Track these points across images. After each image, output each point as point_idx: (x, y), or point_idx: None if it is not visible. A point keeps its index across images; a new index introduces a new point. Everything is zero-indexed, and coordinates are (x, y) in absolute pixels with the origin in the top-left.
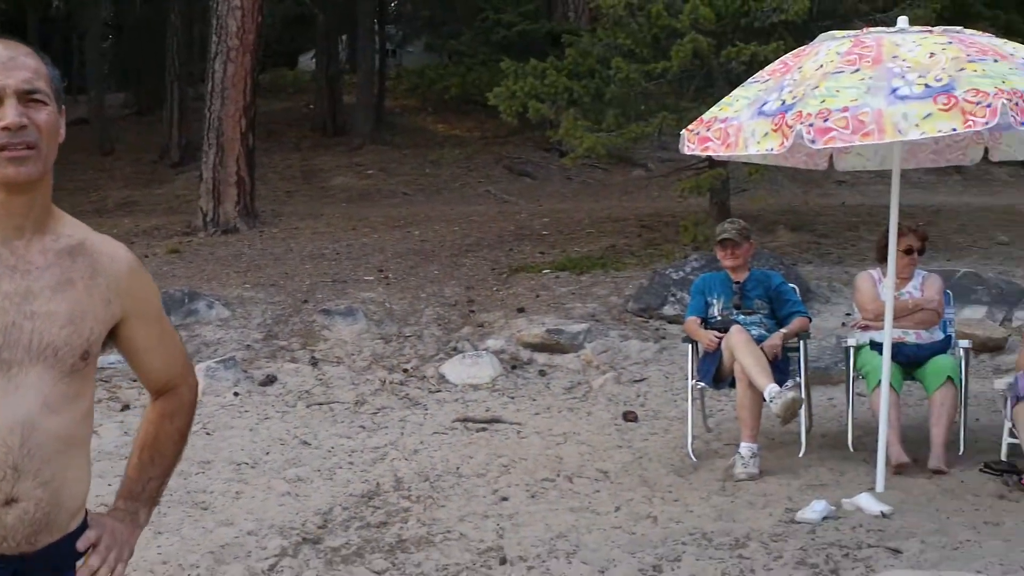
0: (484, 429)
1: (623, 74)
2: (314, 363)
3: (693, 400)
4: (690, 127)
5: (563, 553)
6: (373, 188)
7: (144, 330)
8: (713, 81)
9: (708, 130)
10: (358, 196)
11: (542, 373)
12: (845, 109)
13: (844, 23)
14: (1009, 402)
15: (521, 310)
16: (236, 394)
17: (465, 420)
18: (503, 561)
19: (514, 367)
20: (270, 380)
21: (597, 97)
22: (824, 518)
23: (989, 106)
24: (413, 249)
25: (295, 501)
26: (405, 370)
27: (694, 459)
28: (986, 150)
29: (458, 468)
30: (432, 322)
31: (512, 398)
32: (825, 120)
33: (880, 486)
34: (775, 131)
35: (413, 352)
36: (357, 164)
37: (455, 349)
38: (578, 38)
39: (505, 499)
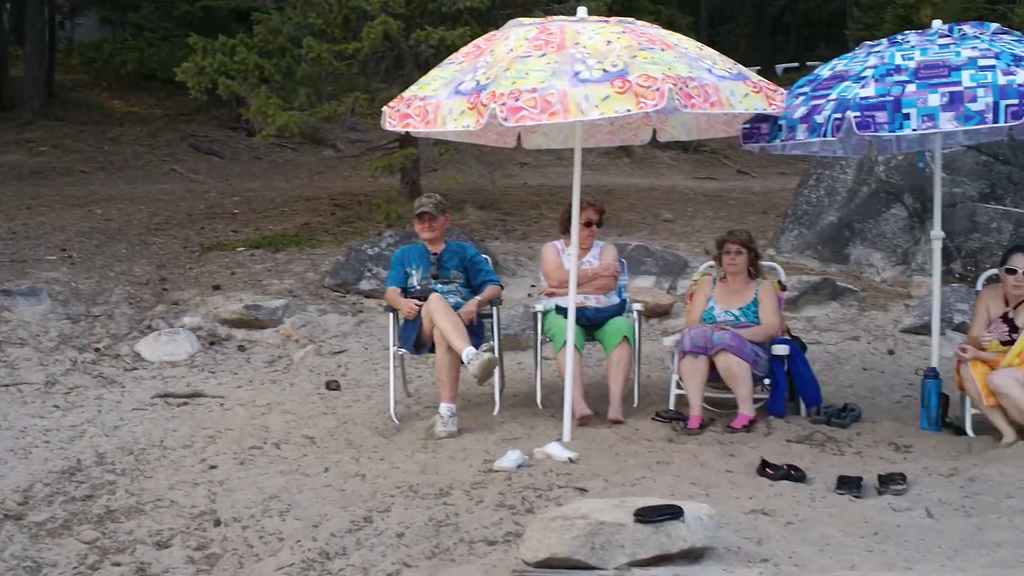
0: (186, 404)
1: (314, 53)
2: None
3: (394, 367)
4: (391, 104)
5: (276, 512)
6: (47, 166)
7: None
8: (403, 63)
9: (408, 107)
10: (30, 174)
11: (242, 348)
12: (534, 90)
13: (525, 11)
14: (675, 357)
15: (217, 287)
16: None
17: (165, 396)
18: (217, 523)
19: (212, 343)
20: None
21: (288, 76)
22: (519, 466)
23: (658, 90)
24: (97, 228)
25: None
26: (97, 349)
27: (397, 421)
28: (655, 131)
29: (162, 441)
30: (123, 301)
31: (213, 373)
32: (516, 100)
33: (567, 436)
34: (471, 109)
35: (104, 331)
36: (28, 141)
37: (149, 327)
38: (267, 16)
39: (214, 467)
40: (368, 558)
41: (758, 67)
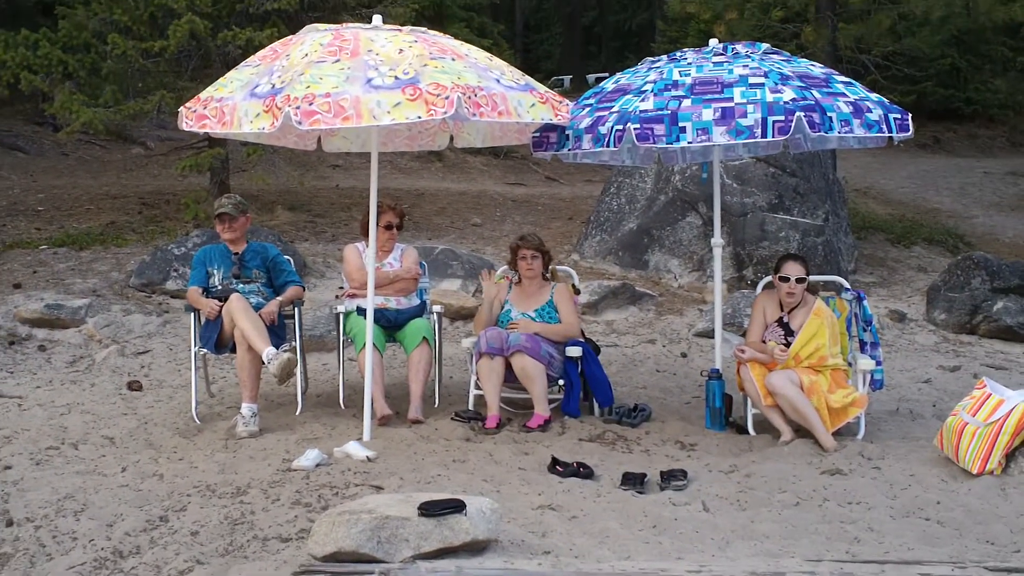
0: None
1: (120, 50)
2: None
3: (197, 367)
4: (187, 105)
5: (71, 512)
6: None
7: None
8: (211, 62)
9: (205, 108)
10: None
11: (42, 348)
12: (328, 95)
13: (333, 15)
14: (474, 358)
15: (18, 286)
16: None
17: None
18: (9, 523)
19: (12, 343)
20: None
21: (94, 72)
22: (317, 465)
23: (447, 98)
24: None
25: None
26: None
27: (198, 421)
28: (452, 137)
29: None
30: None
31: (11, 373)
32: (311, 104)
33: (367, 436)
34: (266, 112)
35: None
36: None
37: None
38: (72, 10)
39: (8, 467)
40: (161, 556)
41: (570, 75)
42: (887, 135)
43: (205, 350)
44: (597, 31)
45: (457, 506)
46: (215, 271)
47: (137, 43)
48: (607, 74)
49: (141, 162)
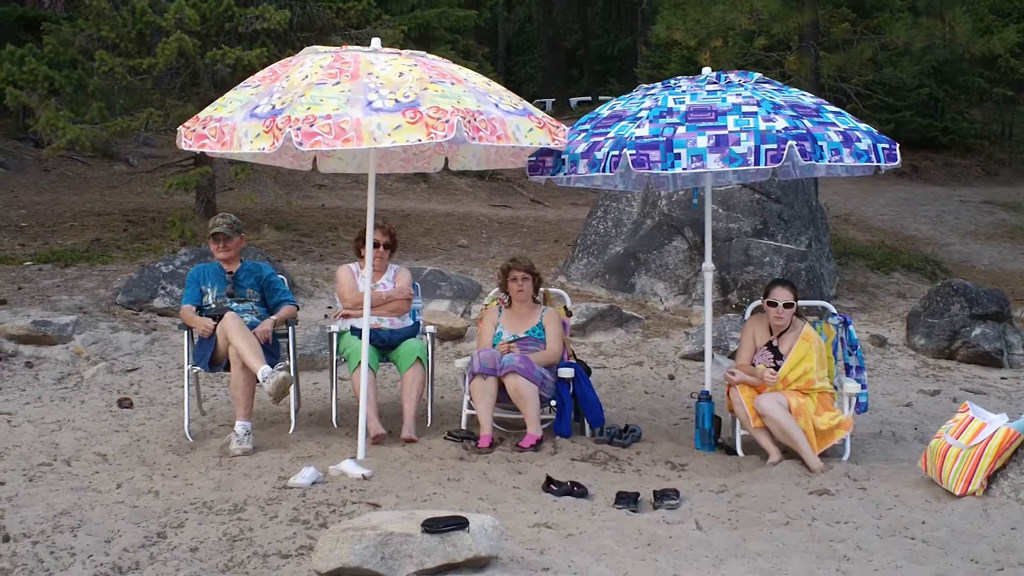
0: None
1: (107, 67)
2: None
3: (189, 385)
4: (187, 124)
5: (67, 528)
6: None
7: None
8: (199, 81)
9: (204, 128)
10: None
11: (29, 365)
12: (328, 117)
13: (322, 35)
14: (467, 378)
15: (3, 302)
16: None
17: None
18: (6, 539)
19: None
20: None
21: (80, 88)
22: (313, 483)
23: (448, 122)
24: None
25: None
26: None
27: (191, 439)
28: (447, 160)
29: None
30: None
31: (0, 389)
32: (311, 125)
33: (361, 454)
34: (266, 132)
35: None
36: None
37: None
38: (58, 26)
39: (2, 483)
40: (161, 572)
41: (553, 99)
42: (875, 164)
43: (198, 368)
44: (580, 55)
45: (460, 523)
46: (209, 289)
47: (124, 60)
48: (589, 98)
49: (124, 179)
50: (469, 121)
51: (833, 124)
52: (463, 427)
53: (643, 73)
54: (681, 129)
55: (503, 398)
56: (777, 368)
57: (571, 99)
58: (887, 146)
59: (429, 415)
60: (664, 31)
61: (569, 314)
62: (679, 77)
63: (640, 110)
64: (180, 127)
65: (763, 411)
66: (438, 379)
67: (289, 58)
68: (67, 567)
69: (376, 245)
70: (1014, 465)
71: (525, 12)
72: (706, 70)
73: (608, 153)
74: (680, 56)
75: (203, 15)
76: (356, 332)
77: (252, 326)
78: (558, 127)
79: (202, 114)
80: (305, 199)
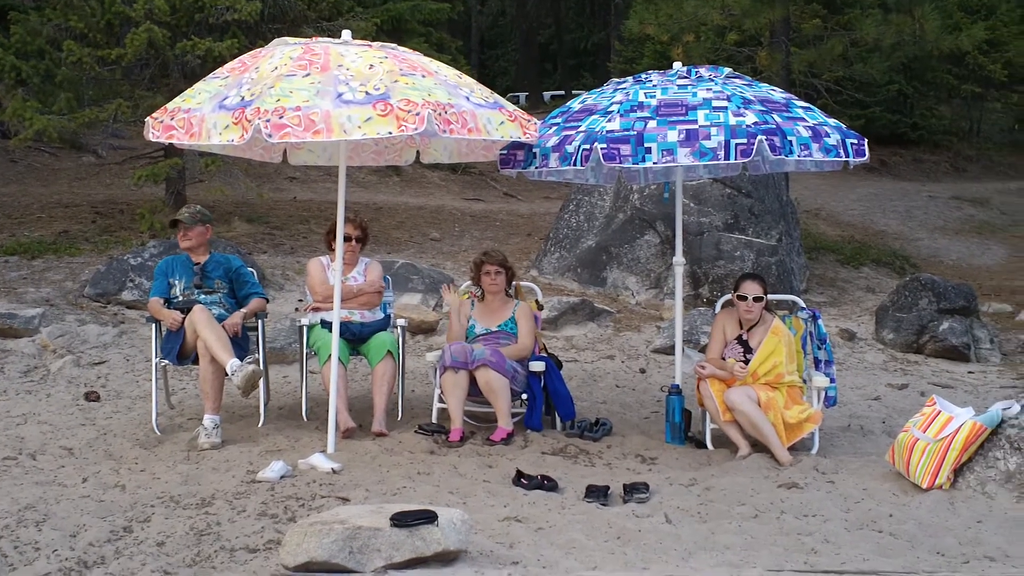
0: None
1: (75, 57)
2: None
3: (157, 378)
4: (155, 115)
5: (32, 522)
6: None
7: None
8: (168, 72)
9: (172, 119)
10: None
11: None
12: (298, 108)
13: (293, 27)
14: (437, 372)
15: None
16: None
17: None
18: None
19: None
20: None
21: (48, 79)
22: (282, 477)
23: (418, 115)
24: None
25: None
26: None
27: (159, 433)
28: (418, 153)
29: None
30: None
31: None
32: (280, 117)
33: (331, 448)
34: (236, 124)
35: None
36: None
37: None
38: (25, 16)
39: None
40: (128, 566)
41: (526, 92)
42: (844, 159)
43: (166, 361)
44: (553, 49)
45: (429, 517)
46: (176, 282)
47: (93, 51)
48: (563, 92)
49: (93, 170)
50: (440, 114)
51: (802, 119)
52: (434, 420)
53: (616, 68)
54: (652, 123)
55: (474, 392)
56: (747, 362)
57: (544, 93)
58: (856, 141)
59: (400, 409)
60: (637, 26)
61: (541, 308)
62: (650, 71)
63: (611, 104)
64: (148, 118)
65: (733, 405)
66: (409, 372)
67: (259, 49)
68: (32, 562)
69: (348, 239)
70: (980, 459)
71: (499, 5)
72: (677, 65)
73: (579, 147)
74: (653, 51)
75: (173, 6)
76: (326, 325)
77: (220, 318)
78: (529, 120)
79: (170, 105)
80: (276, 192)
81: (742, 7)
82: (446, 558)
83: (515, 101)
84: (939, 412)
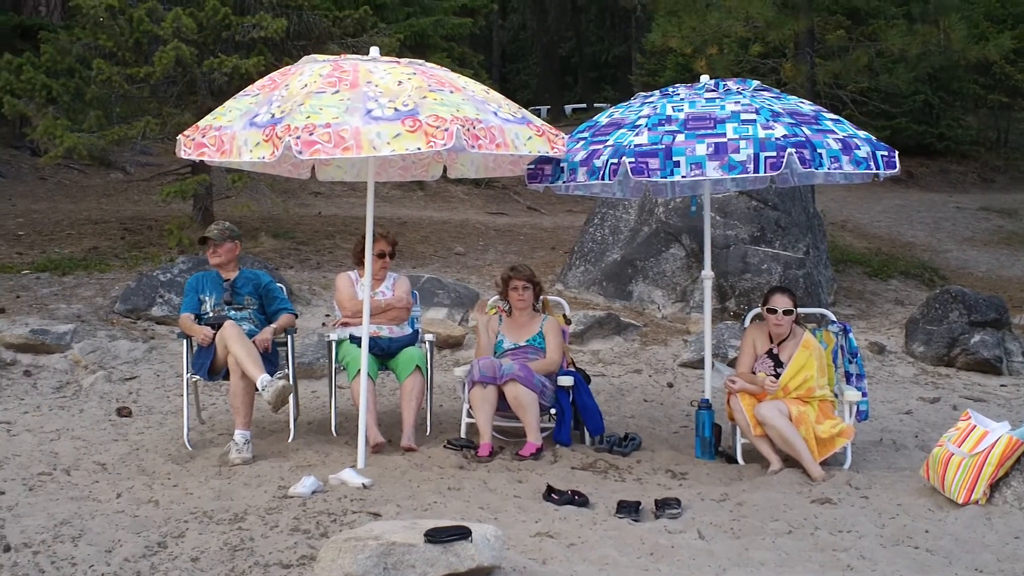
0: None
1: (104, 75)
2: None
3: (188, 393)
4: (186, 133)
5: (68, 538)
6: None
7: None
8: (196, 89)
9: (204, 137)
10: None
11: (28, 374)
12: (328, 125)
13: (318, 44)
14: (466, 387)
15: (1, 311)
16: None
17: None
18: (7, 548)
19: None
20: None
21: (78, 97)
22: (313, 492)
23: (447, 130)
24: None
25: None
26: None
27: (191, 448)
28: (445, 168)
29: None
30: None
31: None
32: (311, 134)
33: (361, 463)
34: (266, 141)
35: None
36: None
37: None
38: (55, 35)
39: (2, 493)
40: None
41: (548, 106)
42: (874, 172)
43: (197, 377)
44: (574, 62)
45: (463, 533)
46: (207, 298)
47: (122, 69)
48: (584, 105)
49: (121, 187)
50: (468, 129)
51: (832, 131)
52: (463, 435)
53: (638, 80)
54: (680, 137)
55: (503, 406)
56: (777, 376)
57: (566, 106)
58: (886, 153)
59: (428, 423)
60: (659, 38)
61: (568, 322)
62: (677, 85)
63: (639, 118)
64: (179, 136)
65: (764, 419)
66: (437, 387)
67: (288, 67)
68: None
69: (381, 255)
70: (1017, 474)
71: (520, 20)
72: (704, 78)
73: (607, 161)
74: (675, 63)
75: (200, 24)
76: (355, 340)
77: (250, 334)
78: (557, 135)
79: (201, 123)
80: (302, 207)
81: (766, 19)
82: (479, 574)
83: (537, 114)
84: (974, 426)
